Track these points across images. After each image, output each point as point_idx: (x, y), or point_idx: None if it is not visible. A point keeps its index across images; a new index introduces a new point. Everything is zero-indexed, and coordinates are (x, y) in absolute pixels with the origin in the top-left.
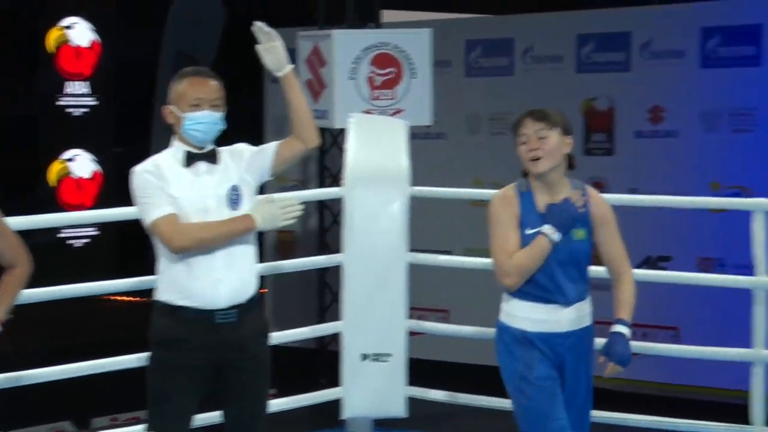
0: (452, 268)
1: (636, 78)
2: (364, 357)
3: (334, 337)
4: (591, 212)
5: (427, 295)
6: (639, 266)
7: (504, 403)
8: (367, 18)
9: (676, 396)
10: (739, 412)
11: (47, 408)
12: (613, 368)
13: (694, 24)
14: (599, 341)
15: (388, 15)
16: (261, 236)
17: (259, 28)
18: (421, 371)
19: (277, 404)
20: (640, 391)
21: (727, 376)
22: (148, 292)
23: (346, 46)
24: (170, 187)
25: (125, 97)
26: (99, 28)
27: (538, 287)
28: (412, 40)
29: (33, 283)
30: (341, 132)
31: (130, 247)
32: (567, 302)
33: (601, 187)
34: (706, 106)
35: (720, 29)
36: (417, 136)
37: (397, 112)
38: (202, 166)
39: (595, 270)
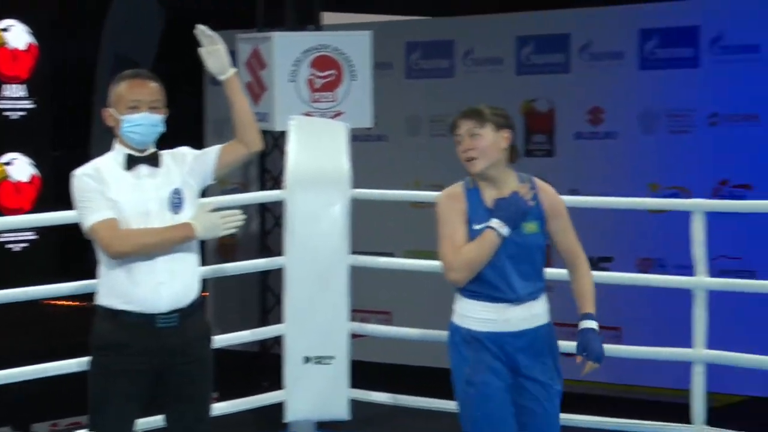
0: (394, 270)
1: (575, 79)
2: (307, 360)
3: (277, 340)
4: (542, 204)
5: (369, 297)
6: None
7: (447, 405)
8: (307, 20)
9: (620, 396)
10: (680, 411)
11: None
12: (590, 366)
13: (633, 26)
14: (565, 344)
15: (328, 17)
16: (202, 239)
17: (202, 31)
18: (363, 373)
19: (219, 408)
20: (582, 391)
21: (669, 376)
22: (88, 297)
23: (286, 48)
24: (110, 190)
25: (63, 100)
26: (36, 31)
27: (487, 285)
28: (353, 42)
29: None
30: (282, 134)
31: (70, 252)
32: (517, 300)
33: None
34: (644, 108)
35: (658, 31)
36: (357, 138)
37: (337, 114)
38: (143, 169)
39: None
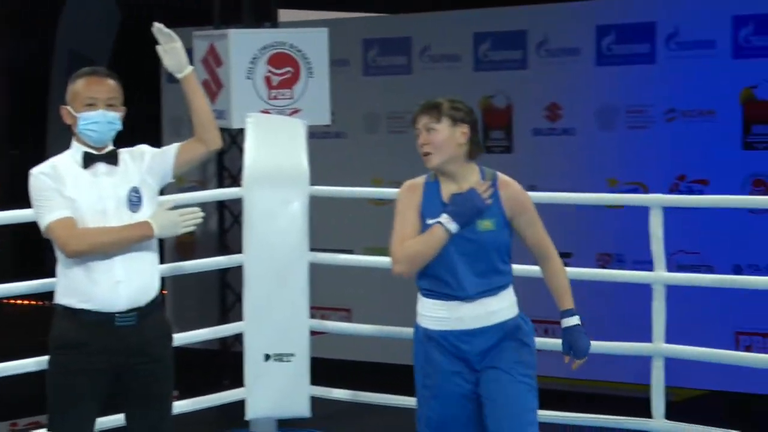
0: (353, 267)
1: (533, 76)
2: (267, 357)
3: (237, 338)
4: (503, 201)
5: (328, 294)
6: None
7: (407, 401)
8: (263, 17)
9: (580, 390)
10: (640, 406)
11: None
12: (578, 363)
13: (589, 22)
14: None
15: (284, 14)
16: (161, 238)
17: (159, 29)
18: (323, 370)
19: (180, 406)
20: (541, 386)
21: (628, 370)
22: (46, 296)
23: (243, 45)
24: (67, 188)
25: (18, 98)
26: None
27: (439, 283)
28: (309, 39)
29: None
30: (240, 132)
31: (28, 250)
32: (467, 298)
33: None
34: (602, 104)
35: (615, 27)
36: (315, 135)
37: (294, 111)
38: (101, 167)
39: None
